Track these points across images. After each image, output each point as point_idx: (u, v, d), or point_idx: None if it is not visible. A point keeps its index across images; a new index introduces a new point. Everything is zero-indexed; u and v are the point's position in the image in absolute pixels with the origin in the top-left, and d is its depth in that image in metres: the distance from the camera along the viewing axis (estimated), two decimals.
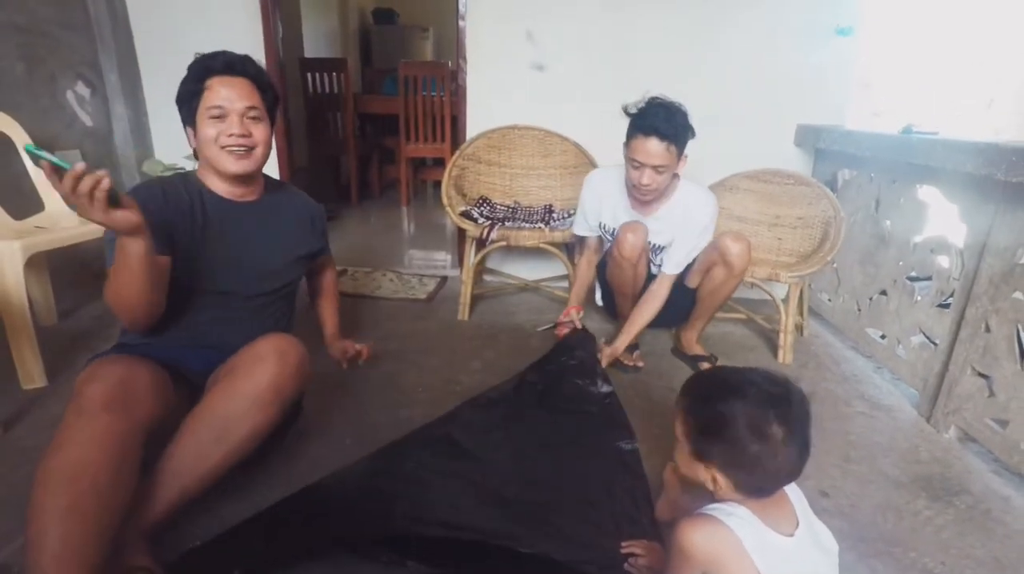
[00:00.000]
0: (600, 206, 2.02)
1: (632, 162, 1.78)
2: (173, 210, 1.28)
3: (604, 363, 1.92)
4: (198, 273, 1.32)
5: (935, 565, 1.22)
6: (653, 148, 1.71)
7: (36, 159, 0.94)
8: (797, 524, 0.86)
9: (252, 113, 1.30)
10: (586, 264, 2.19)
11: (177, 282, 1.28)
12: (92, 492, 0.95)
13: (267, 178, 1.49)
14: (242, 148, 1.29)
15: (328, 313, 1.73)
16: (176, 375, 1.28)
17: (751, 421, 0.81)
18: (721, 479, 0.85)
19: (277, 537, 1.17)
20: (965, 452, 1.63)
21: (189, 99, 1.28)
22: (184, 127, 1.34)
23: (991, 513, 1.39)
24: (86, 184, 0.94)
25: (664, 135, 1.69)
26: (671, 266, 1.92)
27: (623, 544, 1.15)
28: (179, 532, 1.19)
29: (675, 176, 1.83)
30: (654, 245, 1.95)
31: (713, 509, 0.85)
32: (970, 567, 1.22)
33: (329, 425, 1.61)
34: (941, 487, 1.48)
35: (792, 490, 0.90)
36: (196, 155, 1.37)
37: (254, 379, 1.19)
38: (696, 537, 0.82)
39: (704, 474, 0.87)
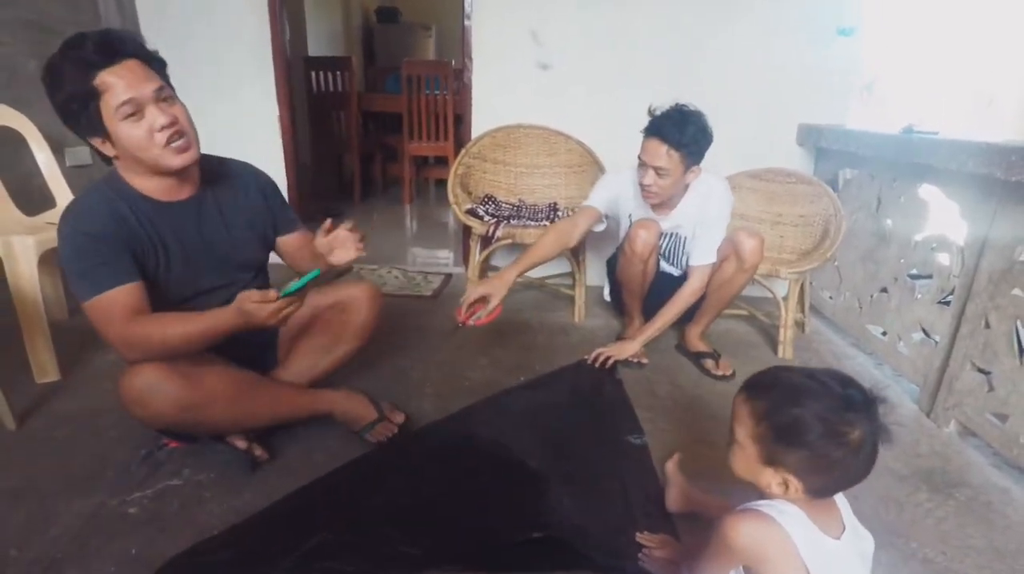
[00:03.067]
0: (617, 200, 2.04)
1: (639, 159, 1.82)
2: (128, 231, 1.20)
3: (617, 358, 1.96)
4: (179, 282, 1.32)
5: (936, 555, 1.24)
6: (654, 149, 1.76)
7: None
8: (843, 528, 0.85)
9: (163, 94, 1.14)
10: (553, 236, 1.93)
11: (162, 295, 1.28)
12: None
13: (204, 159, 1.29)
14: (179, 138, 1.16)
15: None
16: None
17: (832, 426, 0.79)
18: (795, 483, 0.82)
19: (288, 533, 1.19)
20: (965, 446, 1.66)
21: (82, 107, 1.09)
22: (85, 140, 1.16)
23: (991, 505, 1.42)
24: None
25: (666, 138, 1.73)
26: (700, 257, 1.92)
27: (638, 535, 1.18)
28: (194, 521, 1.22)
29: (691, 172, 1.82)
30: (678, 236, 1.98)
31: (764, 505, 0.84)
32: (970, 557, 1.24)
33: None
34: (942, 480, 1.50)
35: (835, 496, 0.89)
36: (107, 161, 1.23)
37: (359, 315, 1.55)
38: (745, 532, 0.81)
39: (771, 478, 0.84)
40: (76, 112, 1.10)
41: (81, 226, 1.16)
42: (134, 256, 1.21)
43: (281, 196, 1.52)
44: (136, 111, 1.11)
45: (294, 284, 1.08)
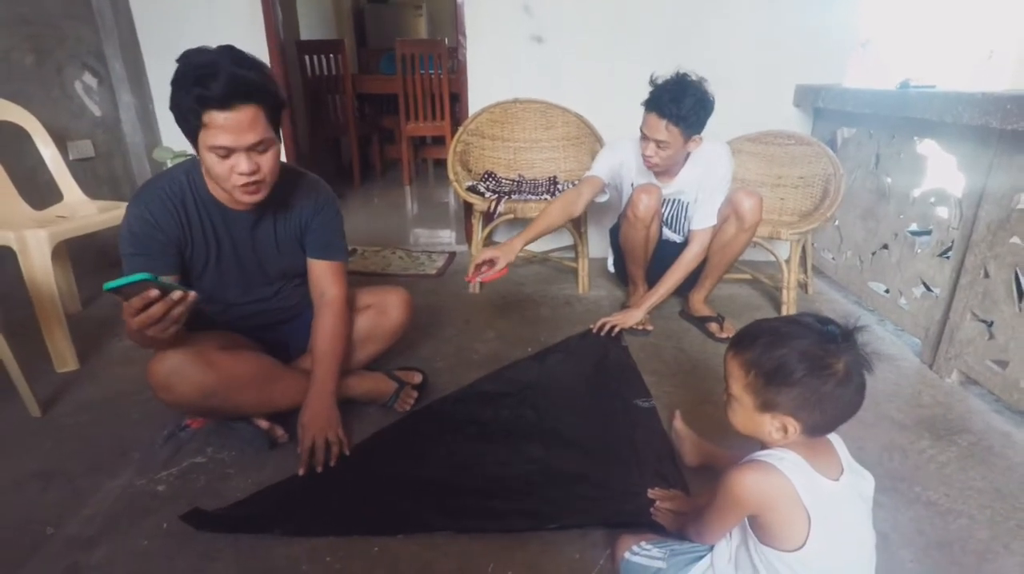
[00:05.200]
0: (619, 168, 2.06)
1: (641, 131, 1.85)
2: (188, 231, 1.31)
3: (623, 327, 2.00)
4: (225, 281, 1.42)
5: (938, 497, 1.28)
6: (653, 123, 1.79)
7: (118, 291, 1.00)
8: (842, 470, 0.88)
9: (260, 147, 1.18)
10: (559, 205, 1.99)
11: (211, 290, 1.39)
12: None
13: (281, 171, 1.32)
14: (253, 185, 1.21)
15: (320, 364, 1.43)
16: None
17: (816, 360, 0.81)
18: (792, 425, 0.84)
19: (306, 503, 1.25)
20: (967, 395, 1.69)
21: (185, 120, 1.14)
22: (184, 133, 1.19)
23: (992, 449, 1.45)
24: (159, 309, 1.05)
25: (663, 114, 1.75)
26: (701, 221, 1.96)
27: (650, 491, 1.22)
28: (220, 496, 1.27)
29: (692, 142, 1.84)
30: (680, 203, 2.00)
31: (764, 455, 0.86)
32: (972, 497, 1.28)
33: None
34: (944, 427, 1.54)
35: (834, 438, 0.92)
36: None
37: (390, 318, 1.62)
38: (749, 482, 0.84)
39: (771, 425, 0.86)
40: (179, 118, 1.15)
41: (143, 212, 1.26)
42: (183, 251, 1.32)
43: (331, 220, 1.48)
44: (227, 156, 1.16)
45: (115, 281, 0.99)
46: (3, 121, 1.97)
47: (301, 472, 1.30)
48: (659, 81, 1.79)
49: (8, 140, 2.01)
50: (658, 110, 1.75)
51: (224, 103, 1.09)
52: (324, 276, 1.49)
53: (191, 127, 1.14)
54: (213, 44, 1.15)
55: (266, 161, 1.20)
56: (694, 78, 1.77)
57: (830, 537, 0.82)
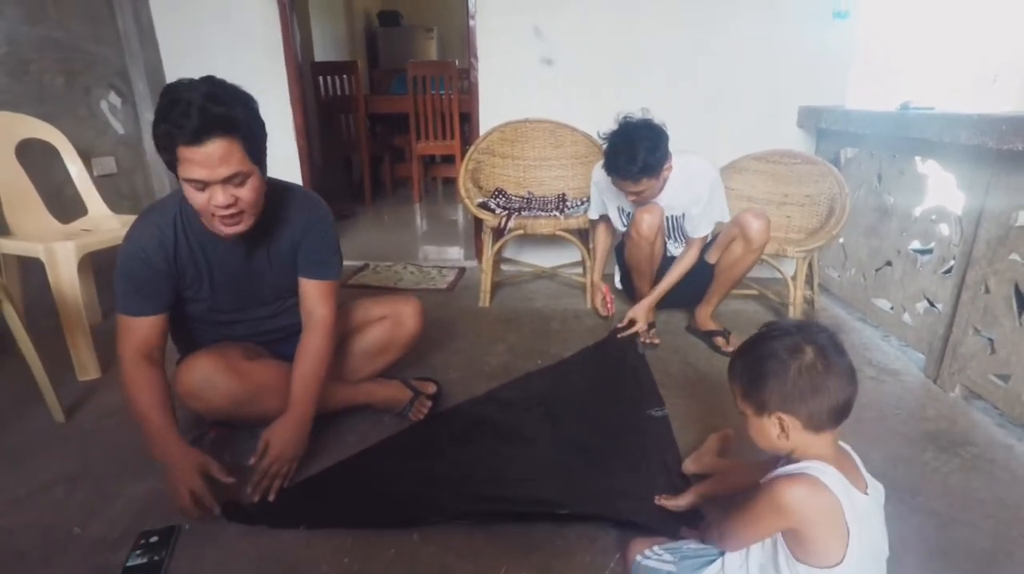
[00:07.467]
0: (605, 199, 2.18)
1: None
2: (176, 260, 1.31)
3: (633, 318, 2.09)
4: (226, 301, 1.43)
5: (942, 507, 1.31)
6: (622, 185, 1.89)
7: None
8: (867, 483, 0.90)
9: (236, 179, 1.17)
10: (603, 231, 2.35)
11: (213, 308, 1.42)
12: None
13: (269, 188, 1.31)
14: (232, 216, 1.21)
15: (300, 386, 1.38)
16: None
17: (783, 349, 0.87)
18: (787, 420, 0.86)
19: (329, 498, 1.30)
20: (970, 408, 1.72)
21: (162, 152, 1.16)
22: (165, 164, 1.20)
23: (995, 461, 1.47)
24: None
25: (626, 176, 1.83)
26: (697, 230, 2.04)
27: (657, 497, 1.26)
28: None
29: (665, 171, 1.90)
30: (672, 218, 2.06)
31: (804, 467, 0.86)
32: (975, 508, 1.31)
33: None
34: (948, 440, 1.56)
35: (852, 452, 0.94)
36: None
37: (405, 328, 1.67)
38: (800, 495, 0.83)
39: (772, 428, 0.88)
40: (159, 150, 1.17)
41: (138, 251, 1.28)
42: (178, 280, 1.34)
43: (322, 238, 1.43)
44: (203, 188, 1.16)
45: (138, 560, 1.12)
46: (34, 139, 2.05)
47: (249, 490, 1.27)
48: (606, 141, 1.86)
49: (38, 157, 2.09)
50: (619, 175, 1.84)
51: (194, 139, 1.10)
52: (312, 296, 1.45)
53: (169, 160, 1.16)
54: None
55: (245, 193, 1.19)
56: (636, 118, 1.83)
57: (862, 551, 0.83)
